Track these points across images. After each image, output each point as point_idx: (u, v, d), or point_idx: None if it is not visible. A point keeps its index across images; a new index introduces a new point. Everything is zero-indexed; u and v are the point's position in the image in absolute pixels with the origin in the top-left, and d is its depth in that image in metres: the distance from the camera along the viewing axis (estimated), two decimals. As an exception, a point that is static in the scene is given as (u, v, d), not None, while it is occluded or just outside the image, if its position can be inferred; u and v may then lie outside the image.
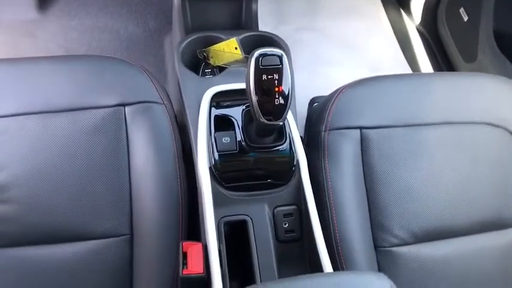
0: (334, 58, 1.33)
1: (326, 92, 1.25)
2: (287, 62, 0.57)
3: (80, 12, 1.33)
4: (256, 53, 0.56)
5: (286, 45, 0.85)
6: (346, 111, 0.77)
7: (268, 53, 0.56)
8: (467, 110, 0.82)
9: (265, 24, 1.23)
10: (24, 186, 0.67)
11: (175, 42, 1.14)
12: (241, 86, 0.71)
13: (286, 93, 0.58)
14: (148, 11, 1.35)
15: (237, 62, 0.82)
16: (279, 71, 0.57)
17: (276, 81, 0.57)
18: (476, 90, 0.85)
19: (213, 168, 0.65)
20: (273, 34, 0.87)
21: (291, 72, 0.59)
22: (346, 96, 0.78)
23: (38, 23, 1.30)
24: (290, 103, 0.59)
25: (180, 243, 0.60)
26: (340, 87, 0.80)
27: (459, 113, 0.82)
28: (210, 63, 0.84)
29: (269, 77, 0.57)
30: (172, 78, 1.22)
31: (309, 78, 1.24)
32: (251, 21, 1.14)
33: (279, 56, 0.56)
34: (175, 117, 0.77)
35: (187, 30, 1.14)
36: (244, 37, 0.85)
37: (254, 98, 0.57)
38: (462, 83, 0.86)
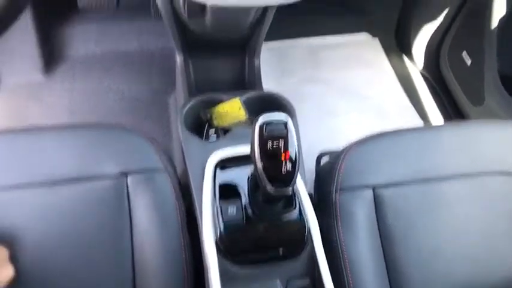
0: (339, 108, 1.32)
1: (333, 144, 1.24)
2: (292, 127, 0.55)
3: (85, 74, 1.35)
4: (260, 121, 0.54)
5: (290, 104, 0.84)
6: (357, 169, 0.74)
7: (273, 121, 0.54)
8: (481, 160, 0.79)
9: (268, 78, 1.24)
10: (22, 259, 0.64)
11: (180, 101, 1.14)
12: (246, 149, 0.69)
13: (294, 158, 0.56)
14: (152, 70, 1.36)
15: (241, 122, 0.80)
16: (285, 137, 0.55)
17: (282, 148, 0.55)
18: (488, 138, 0.83)
19: (218, 242, 0.62)
20: (277, 93, 0.86)
21: (297, 135, 0.56)
22: (355, 154, 0.76)
23: (43, 85, 1.32)
24: (298, 169, 0.56)
25: None
26: (348, 145, 0.78)
27: (473, 164, 0.79)
28: (214, 125, 0.83)
29: (275, 144, 0.54)
30: (178, 138, 1.22)
31: (315, 131, 1.23)
32: (254, 77, 1.15)
33: (284, 123, 0.54)
34: (180, 184, 0.74)
35: (191, 89, 1.14)
36: (248, 97, 0.84)
37: (260, 166, 0.54)
38: (473, 133, 0.83)
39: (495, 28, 1.19)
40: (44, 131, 0.75)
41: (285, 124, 0.54)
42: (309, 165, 0.95)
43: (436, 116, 1.40)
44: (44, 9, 1.32)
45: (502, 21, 1.17)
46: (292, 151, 0.55)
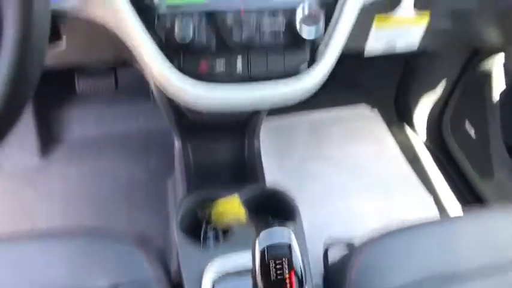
0: (343, 187, 1.28)
1: (340, 226, 1.18)
2: (297, 246, 0.50)
3: (81, 157, 1.32)
4: (261, 244, 0.49)
5: (292, 200, 0.79)
6: (371, 272, 0.68)
7: (275, 244, 0.49)
8: (505, 251, 0.74)
9: (269, 158, 1.20)
10: None
11: (178, 186, 1.10)
12: (246, 259, 0.63)
13: (300, 276, 0.50)
14: (151, 152, 1.34)
15: (240, 221, 0.75)
16: (289, 257, 0.50)
17: (287, 268, 0.50)
18: (509, 227, 0.77)
19: None
20: (277, 189, 0.81)
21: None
22: (369, 254, 0.70)
23: (39, 169, 1.30)
24: (306, 284, 0.51)
25: None
26: (360, 245, 0.72)
27: (497, 257, 0.73)
28: (212, 223, 0.78)
29: (278, 265, 0.49)
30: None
31: (320, 212, 1.18)
32: (255, 158, 1.12)
33: (287, 245, 0.50)
34: None
35: (190, 173, 1.11)
36: (248, 196, 0.80)
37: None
38: (493, 221, 0.78)
39: (497, 102, 1.18)
40: (33, 241, 0.72)
41: (289, 246, 0.49)
42: (315, 250, 0.89)
43: (444, 189, 1.35)
44: (42, 94, 1.32)
45: (503, 96, 1.16)
46: (297, 269, 0.50)
